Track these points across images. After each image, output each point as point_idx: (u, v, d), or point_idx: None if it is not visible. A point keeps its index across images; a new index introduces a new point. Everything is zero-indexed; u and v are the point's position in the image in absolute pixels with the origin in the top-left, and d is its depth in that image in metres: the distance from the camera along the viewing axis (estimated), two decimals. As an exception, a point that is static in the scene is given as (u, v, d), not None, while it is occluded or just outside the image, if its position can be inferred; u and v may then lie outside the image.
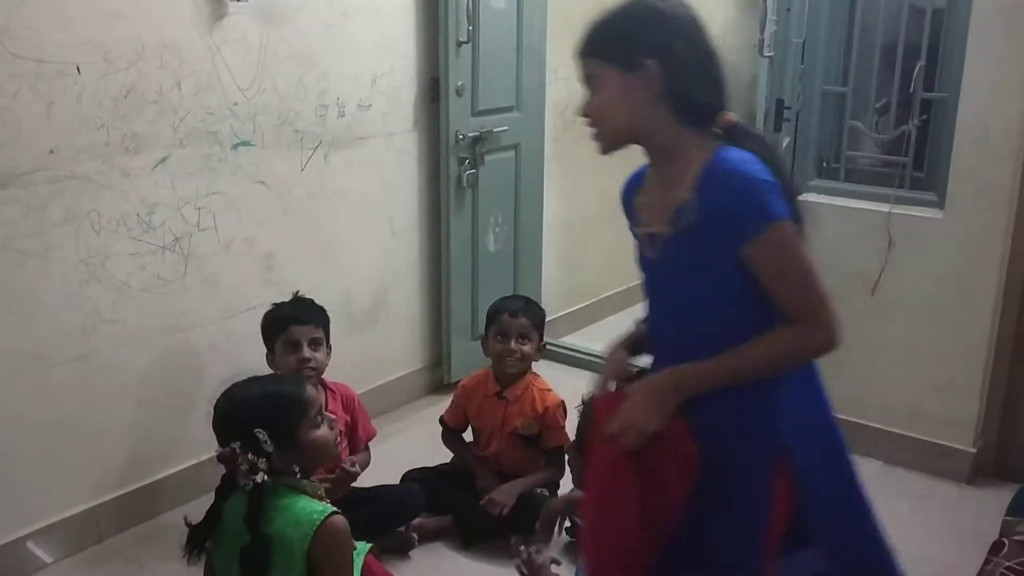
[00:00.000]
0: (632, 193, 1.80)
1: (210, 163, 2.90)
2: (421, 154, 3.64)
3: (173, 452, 2.96)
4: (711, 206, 1.56)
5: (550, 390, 2.92)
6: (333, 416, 2.22)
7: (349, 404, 2.78)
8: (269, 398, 2.00)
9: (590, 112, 1.68)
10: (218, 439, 1.99)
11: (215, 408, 2.03)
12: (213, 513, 2.01)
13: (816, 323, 1.66)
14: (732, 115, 1.65)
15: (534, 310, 2.94)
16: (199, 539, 2.00)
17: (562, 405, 2.88)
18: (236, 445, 1.92)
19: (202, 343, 2.98)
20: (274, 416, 1.97)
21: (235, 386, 2.07)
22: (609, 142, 1.69)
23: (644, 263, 1.76)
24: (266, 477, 1.92)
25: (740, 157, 1.57)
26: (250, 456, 1.91)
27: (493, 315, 2.92)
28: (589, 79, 1.66)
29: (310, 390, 2.08)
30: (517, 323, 2.86)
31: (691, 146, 1.62)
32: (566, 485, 2.86)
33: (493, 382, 2.92)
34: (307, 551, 1.92)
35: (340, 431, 2.64)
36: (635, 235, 1.77)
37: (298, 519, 1.94)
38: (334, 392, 2.75)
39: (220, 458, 1.93)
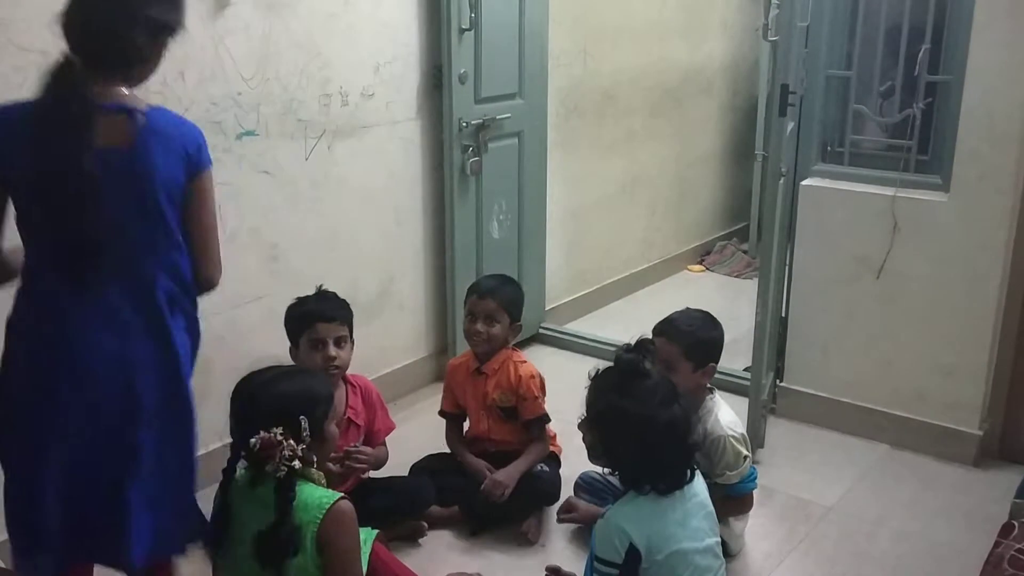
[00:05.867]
0: None
1: (214, 153, 2.81)
2: (425, 142, 3.64)
3: (181, 442, 2.96)
4: None
5: (525, 362, 2.94)
6: (339, 412, 2.25)
7: (368, 398, 2.78)
8: (309, 390, 2.06)
9: None
10: (247, 424, 1.98)
11: (248, 394, 2.04)
12: (224, 505, 2.03)
13: None
14: None
15: (506, 291, 2.92)
16: (217, 532, 2.03)
17: (537, 376, 2.90)
18: (278, 431, 1.93)
19: (208, 333, 2.90)
20: (312, 407, 2.03)
21: (267, 375, 2.07)
22: None
23: None
24: (299, 464, 1.95)
25: None
26: (290, 442, 1.94)
27: (467, 294, 2.97)
28: None
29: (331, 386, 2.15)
30: (483, 304, 2.87)
31: None
32: (571, 463, 2.88)
33: (473, 360, 2.95)
34: (316, 535, 1.96)
35: (358, 425, 2.67)
36: None
37: (307, 504, 1.96)
38: (354, 387, 2.75)
39: (262, 443, 1.92)
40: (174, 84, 2.73)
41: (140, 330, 1.87)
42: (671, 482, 2.10)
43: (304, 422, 1.97)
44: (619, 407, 2.10)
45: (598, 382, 2.20)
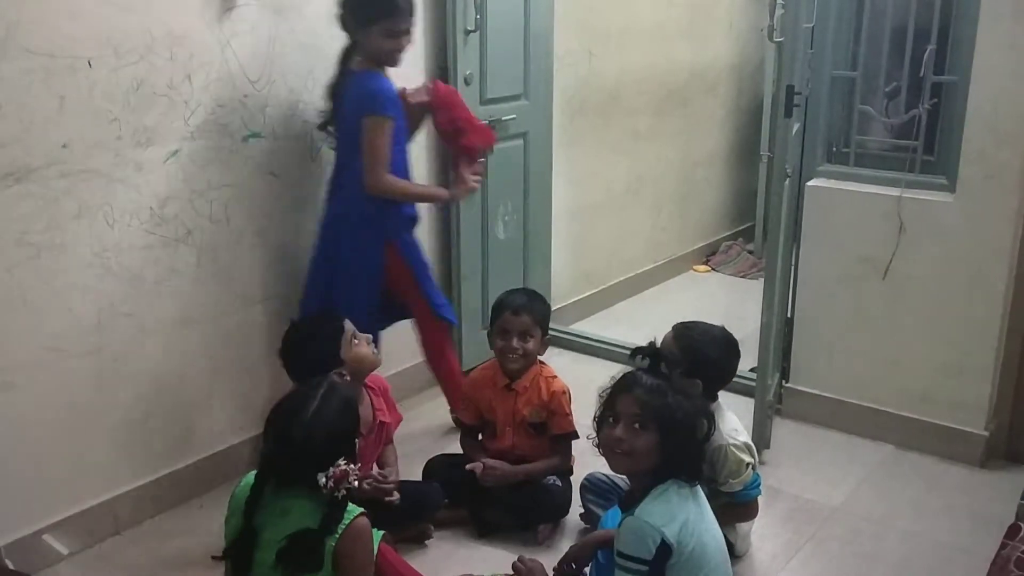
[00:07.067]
0: None
1: (221, 155, 2.90)
2: (430, 143, 3.64)
3: (189, 443, 2.98)
4: None
5: (556, 377, 2.92)
6: (368, 419, 2.34)
7: (386, 395, 2.81)
8: (350, 405, 2.10)
9: None
10: (304, 456, 1.99)
11: (304, 435, 1.99)
12: (249, 533, 2.02)
13: None
14: None
15: (537, 306, 2.91)
16: (243, 560, 2.02)
17: (567, 392, 2.88)
18: (342, 462, 1.98)
19: (216, 335, 2.99)
20: (357, 422, 2.11)
21: (307, 404, 2.02)
22: None
23: None
24: (357, 483, 2.01)
25: None
26: (351, 467, 1.98)
27: (496, 311, 2.92)
28: None
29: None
30: (519, 321, 2.85)
31: None
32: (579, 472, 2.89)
33: (501, 375, 2.91)
34: (334, 550, 1.98)
35: (386, 423, 2.71)
36: None
37: None
38: (374, 389, 2.76)
39: (336, 479, 1.95)
40: (181, 86, 2.74)
41: (339, 206, 3.01)
42: (694, 473, 2.13)
43: (359, 443, 2.06)
44: (690, 405, 2.12)
45: (648, 388, 2.10)
